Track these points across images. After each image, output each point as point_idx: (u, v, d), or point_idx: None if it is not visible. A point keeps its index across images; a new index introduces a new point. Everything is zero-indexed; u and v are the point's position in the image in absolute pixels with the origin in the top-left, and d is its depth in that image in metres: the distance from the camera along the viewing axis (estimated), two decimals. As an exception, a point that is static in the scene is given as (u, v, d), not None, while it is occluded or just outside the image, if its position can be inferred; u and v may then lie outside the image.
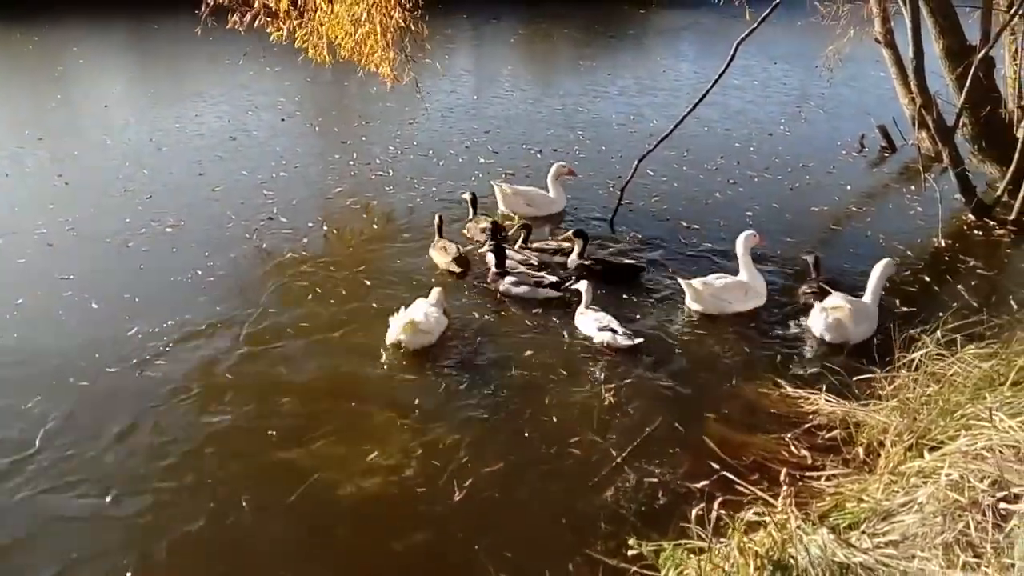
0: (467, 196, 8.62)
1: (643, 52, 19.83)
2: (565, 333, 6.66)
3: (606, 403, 5.79)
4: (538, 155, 11.20)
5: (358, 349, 6.33)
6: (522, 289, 7.18)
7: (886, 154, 11.85)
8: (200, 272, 7.42)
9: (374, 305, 6.94)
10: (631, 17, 24.07)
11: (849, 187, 10.40)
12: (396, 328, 6.26)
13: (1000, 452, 4.40)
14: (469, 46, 19.92)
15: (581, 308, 6.78)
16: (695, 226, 8.88)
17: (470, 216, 8.55)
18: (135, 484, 4.87)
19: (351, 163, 10.60)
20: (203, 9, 8.80)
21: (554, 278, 7.25)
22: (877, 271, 6.88)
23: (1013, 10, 8.86)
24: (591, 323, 6.61)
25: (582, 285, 6.84)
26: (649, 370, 6.24)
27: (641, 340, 6.43)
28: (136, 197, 9.15)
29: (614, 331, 6.46)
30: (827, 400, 5.75)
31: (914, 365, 5.58)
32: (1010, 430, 4.47)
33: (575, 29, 22.36)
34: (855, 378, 5.85)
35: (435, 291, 6.73)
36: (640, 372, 6.19)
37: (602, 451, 5.30)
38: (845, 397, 5.74)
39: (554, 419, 5.61)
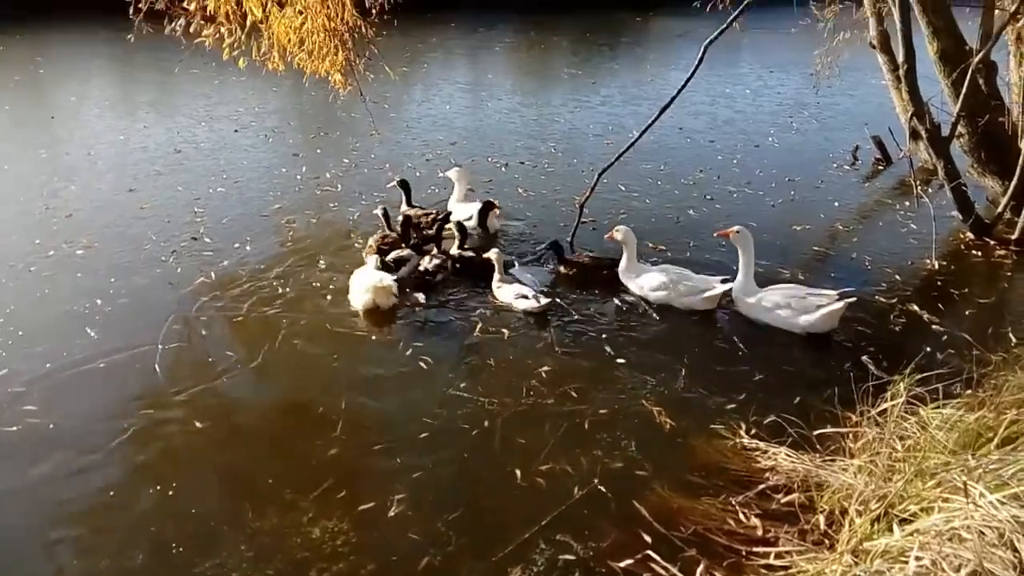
0: (379, 211, 7.90)
1: (633, 61, 19.10)
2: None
3: (519, 454, 4.94)
4: (503, 169, 10.45)
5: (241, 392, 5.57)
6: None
7: (880, 167, 11.00)
8: (99, 301, 6.65)
9: (273, 341, 6.16)
10: (627, 25, 23.43)
11: (837, 203, 9.55)
12: (360, 293, 6.52)
13: (981, 534, 3.56)
14: (451, 54, 19.23)
15: (496, 280, 6.86)
16: (661, 247, 8.05)
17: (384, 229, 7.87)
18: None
19: (298, 177, 9.87)
20: (135, 15, 8.08)
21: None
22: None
23: (1016, 7, 8.02)
24: (509, 294, 6.75)
25: (492, 254, 6.94)
26: (580, 402, 5.44)
27: (549, 300, 6.62)
28: (55, 215, 8.44)
29: (526, 297, 6.60)
30: (787, 455, 4.90)
31: (888, 415, 4.74)
32: (993, 506, 3.63)
33: (567, 38, 21.71)
34: (816, 432, 4.98)
35: (371, 258, 6.93)
36: (571, 407, 5.38)
37: (515, 516, 4.45)
38: (808, 451, 4.89)
39: (463, 477, 4.80)
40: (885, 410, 4.76)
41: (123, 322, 6.36)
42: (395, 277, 6.77)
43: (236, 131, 11.78)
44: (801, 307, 6.38)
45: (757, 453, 5.00)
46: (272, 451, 5.02)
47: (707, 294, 6.72)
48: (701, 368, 5.90)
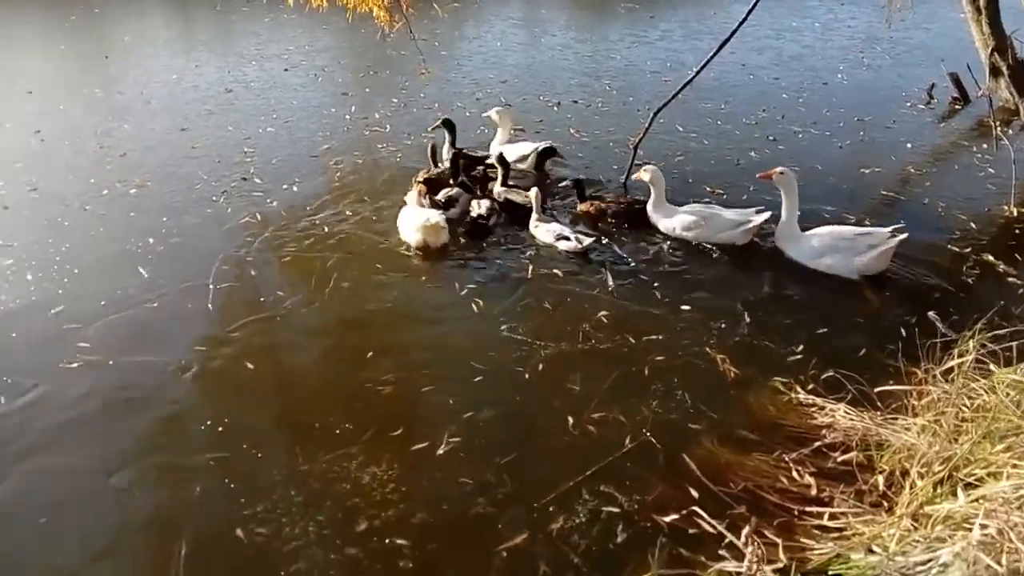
0: (427, 147, 7.78)
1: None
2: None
3: (571, 400, 4.84)
4: (555, 108, 10.14)
5: (292, 332, 5.55)
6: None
7: (957, 107, 10.36)
8: (151, 240, 6.71)
9: (324, 281, 6.10)
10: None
11: (910, 145, 9.03)
12: (411, 232, 6.44)
13: (1057, 504, 3.36)
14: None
15: (534, 219, 6.75)
16: (719, 190, 7.73)
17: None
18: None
19: (347, 117, 9.75)
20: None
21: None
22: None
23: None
24: (547, 233, 6.64)
25: (532, 193, 6.82)
26: (636, 348, 5.27)
27: (593, 239, 6.53)
28: (109, 155, 8.52)
29: (568, 238, 6.47)
30: (846, 412, 4.69)
31: (955, 374, 4.48)
32: (1072, 474, 3.41)
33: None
34: (877, 389, 4.74)
35: (412, 194, 6.81)
36: (628, 353, 5.23)
37: (563, 464, 4.36)
38: (869, 409, 4.67)
39: (515, 422, 4.72)
40: (952, 368, 4.50)
41: (175, 261, 6.40)
42: (444, 215, 6.65)
43: (286, 70, 11.68)
44: (851, 248, 6.10)
45: (814, 409, 4.78)
46: (323, 391, 5.00)
47: (743, 228, 6.52)
48: (760, 316, 5.67)
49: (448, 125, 8.04)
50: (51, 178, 7.91)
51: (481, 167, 7.73)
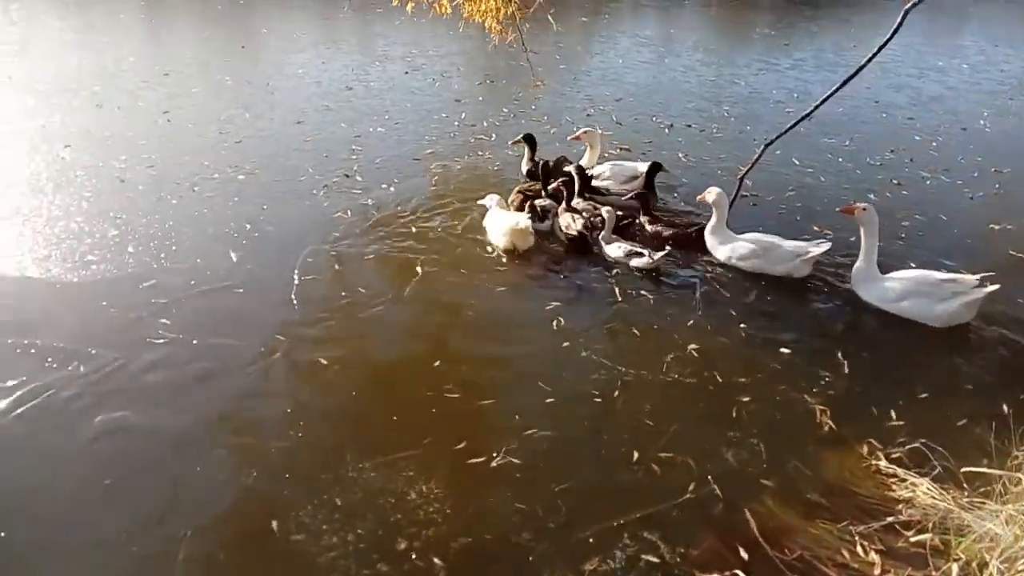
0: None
1: (836, 23, 17.42)
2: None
3: (642, 434, 4.62)
4: (667, 130, 9.87)
5: (370, 330, 5.57)
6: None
7: (1113, 165, 9.37)
8: (248, 226, 6.94)
9: (406, 282, 6.11)
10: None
11: (1051, 202, 8.23)
12: (499, 236, 6.59)
13: None
14: (637, 6, 18.42)
15: (605, 235, 6.71)
16: (827, 231, 7.27)
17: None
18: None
19: (456, 123, 9.83)
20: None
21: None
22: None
23: None
24: (618, 249, 6.57)
25: (605, 211, 6.79)
26: (723, 387, 5.01)
27: (664, 253, 6.40)
28: (226, 140, 8.91)
29: (641, 254, 6.40)
30: (928, 489, 4.25)
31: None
32: None
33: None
34: (964, 469, 4.27)
35: (492, 197, 6.97)
36: (712, 391, 4.97)
37: (617, 502, 4.14)
38: (954, 488, 4.22)
39: (579, 449, 4.54)
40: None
41: (266, 249, 6.58)
42: (535, 224, 6.74)
43: (406, 72, 11.93)
44: (933, 293, 5.71)
45: (894, 480, 4.37)
46: (389, 395, 4.97)
47: (802, 258, 6.25)
48: (854, 370, 5.27)
49: (529, 140, 7.94)
50: (169, 158, 8.35)
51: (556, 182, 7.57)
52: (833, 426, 4.73)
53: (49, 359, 5.05)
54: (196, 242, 6.63)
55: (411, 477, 4.24)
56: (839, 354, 5.41)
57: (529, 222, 6.60)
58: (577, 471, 4.33)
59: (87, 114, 9.81)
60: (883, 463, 4.47)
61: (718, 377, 5.12)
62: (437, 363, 5.19)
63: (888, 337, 5.70)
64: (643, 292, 6.09)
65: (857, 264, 6.17)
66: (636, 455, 4.44)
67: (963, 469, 4.25)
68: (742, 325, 5.73)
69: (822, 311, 6.03)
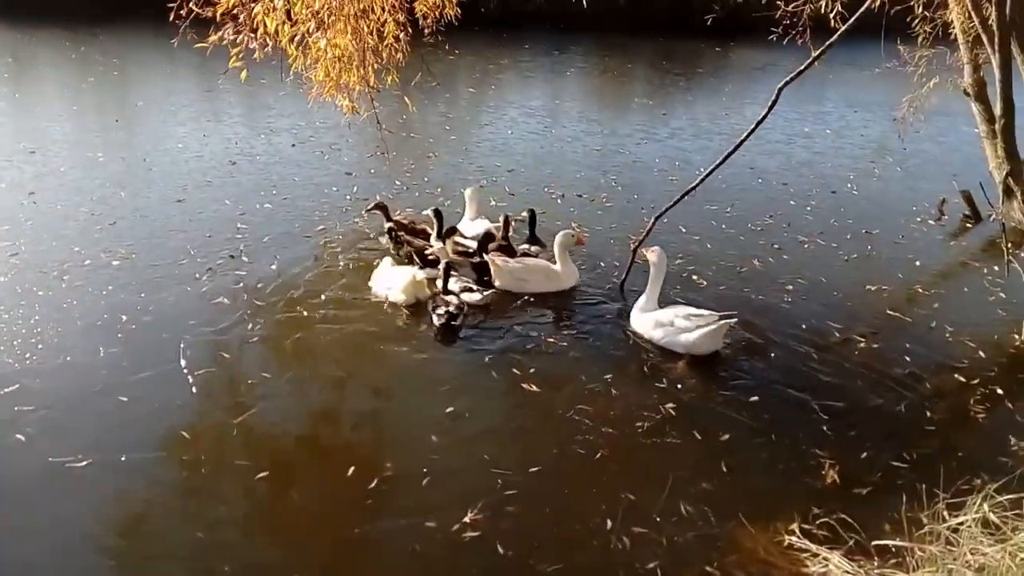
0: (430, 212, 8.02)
1: (709, 93, 18.34)
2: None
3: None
4: (558, 200, 10.00)
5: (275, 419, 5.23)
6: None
7: (969, 225, 10.14)
8: (124, 317, 6.46)
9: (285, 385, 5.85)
10: (705, 55, 22.72)
11: (919, 262, 8.77)
12: (396, 292, 6.85)
13: None
14: (522, 76, 18.84)
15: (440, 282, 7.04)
16: (721, 296, 7.47)
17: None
18: None
19: (347, 197, 9.61)
20: (174, 17, 7.50)
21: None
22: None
23: None
24: (455, 284, 7.03)
25: (438, 250, 7.55)
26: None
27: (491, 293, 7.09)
28: (100, 223, 8.35)
29: (472, 290, 7.03)
30: (839, 563, 4.29)
31: (962, 532, 4.10)
32: None
33: (642, 65, 21.18)
34: (875, 542, 4.35)
35: (387, 259, 7.35)
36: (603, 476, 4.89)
37: None
38: (866, 560, 4.28)
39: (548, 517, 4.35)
40: (953, 526, 4.13)
41: (141, 342, 6.14)
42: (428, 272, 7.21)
43: (293, 145, 11.65)
44: (682, 326, 6.39)
45: (807, 556, 4.40)
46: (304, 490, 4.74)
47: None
48: (788, 442, 5.51)
49: (437, 215, 7.89)
50: (35, 243, 7.73)
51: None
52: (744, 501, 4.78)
53: None
54: (63, 338, 6.10)
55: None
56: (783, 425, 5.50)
57: (423, 274, 7.03)
58: (547, 540, 4.14)
59: (-61, 197, 9.04)
60: (795, 539, 4.51)
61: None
62: (338, 443, 4.92)
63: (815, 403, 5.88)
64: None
65: (640, 298, 6.82)
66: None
67: (874, 543, 4.33)
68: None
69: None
